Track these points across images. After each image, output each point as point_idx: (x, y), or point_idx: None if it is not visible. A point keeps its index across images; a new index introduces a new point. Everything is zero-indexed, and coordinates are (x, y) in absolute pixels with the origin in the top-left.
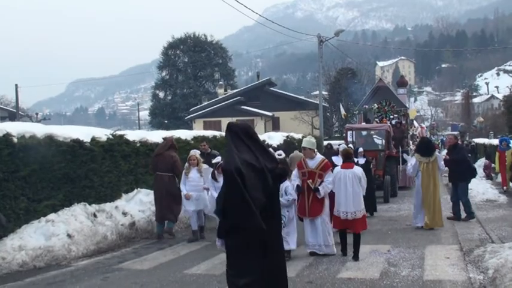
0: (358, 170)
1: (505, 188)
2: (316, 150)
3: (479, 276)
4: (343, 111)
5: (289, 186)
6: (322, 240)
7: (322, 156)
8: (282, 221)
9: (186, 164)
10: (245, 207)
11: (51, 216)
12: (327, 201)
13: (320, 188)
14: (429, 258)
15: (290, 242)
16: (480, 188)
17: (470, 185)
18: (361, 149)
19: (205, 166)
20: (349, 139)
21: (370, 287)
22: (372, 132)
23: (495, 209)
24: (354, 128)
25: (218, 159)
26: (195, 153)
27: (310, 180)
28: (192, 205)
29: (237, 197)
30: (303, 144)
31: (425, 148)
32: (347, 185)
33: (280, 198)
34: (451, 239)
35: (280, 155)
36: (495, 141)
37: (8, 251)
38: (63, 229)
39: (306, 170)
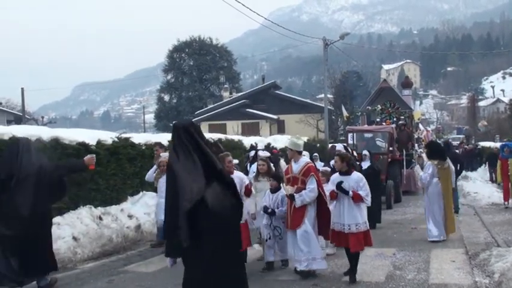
0: (356, 175)
1: (506, 203)
2: (302, 152)
3: (485, 280)
4: (345, 113)
5: (284, 196)
6: (303, 254)
7: (307, 160)
8: (278, 233)
9: (157, 170)
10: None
11: (57, 219)
12: (311, 210)
13: (296, 196)
14: (435, 261)
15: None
16: (486, 192)
17: (476, 189)
18: (365, 152)
19: None
20: (350, 141)
21: None
22: (375, 134)
23: (501, 212)
24: (355, 130)
25: (165, 155)
26: (166, 158)
27: (289, 187)
28: (162, 214)
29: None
30: (288, 145)
31: (441, 152)
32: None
33: (276, 210)
34: (457, 242)
35: (264, 153)
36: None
37: None
38: (68, 232)
39: (290, 175)
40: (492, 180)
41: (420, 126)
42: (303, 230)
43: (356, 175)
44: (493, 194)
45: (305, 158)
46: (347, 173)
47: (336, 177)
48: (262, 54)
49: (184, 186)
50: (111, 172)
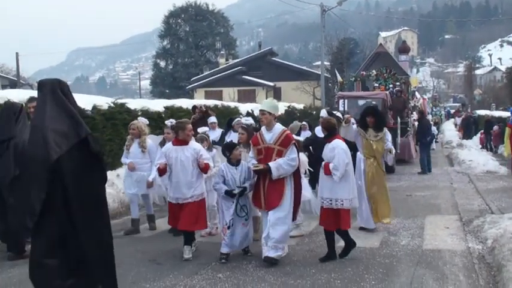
0: (332, 143)
1: None
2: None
3: (478, 246)
4: (339, 78)
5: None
6: (272, 239)
7: (283, 127)
8: (245, 212)
9: (129, 136)
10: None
11: None
12: (289, 187)
13: (272, 164)
14: (429, 228)
15: (250, 237)
16: (481, 160)
17: (471, 156)
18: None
19: (150, 141)
20: (341, 108)
21: (370, 255)
22: (367, 100)
23: (495, 180)
24: (346, 96)
25: (205, 129)
26: (138, 121)
27: (255, 163)
28: (133, 187)
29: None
30: (261, 107)
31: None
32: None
33: (246, 185)
34: (451, 209)
35: (248, 120)
36: (496, 113)
37: None
38: None
39: (262, 146)
40: (487, 148)
41: (417, 94)
42: (281, 212)
43: (332, 144)
44: (487, 161)
45: (279, 124)
46: (327, 140)
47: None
48: (258, 21)
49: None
50: (107, 137)
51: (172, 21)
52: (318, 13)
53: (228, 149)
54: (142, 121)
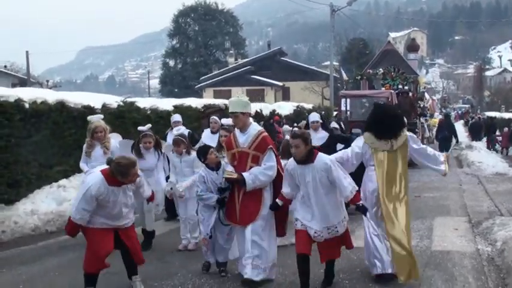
0: (322, 161)
1: None
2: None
3: (488, 248)
4: (345, 77)
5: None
6: (250, 259)
7: (260, 128)
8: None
9: (88, 138)
10: None
11: (63, 181)
12: (268, 197)
13: (246, 175)
14: (438, 229)
15: (235, 250)
16: (490, 162)
17: (480, 158)
18: (334, 125)
19: (113, 140)
20: (343, 108)
21: None
22: (370, 100)
23: (505, 182)
24: (348, 95)
25: (181, 128)
26: (99, 121)
27: (231, 169)
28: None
29: None
30: (231, 108)
31: (386, 123)
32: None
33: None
34: (460, 211)
35: (223, 125)
36: (506, 115)
37: (21, 215)
38: (74, 194)
39: (235, 150)
40: (495, 150)
41: (426, 95)
42: (258, 226)
43: (321, 161)
44: (497, 163)
45: (255, 124)
46: (307, 159)
47: (292, 166)
48: (268, 20)
49: None
50: None
51: (181, 20)
52: (327, 13)
53: (202, 154)
54: (95, 118)
